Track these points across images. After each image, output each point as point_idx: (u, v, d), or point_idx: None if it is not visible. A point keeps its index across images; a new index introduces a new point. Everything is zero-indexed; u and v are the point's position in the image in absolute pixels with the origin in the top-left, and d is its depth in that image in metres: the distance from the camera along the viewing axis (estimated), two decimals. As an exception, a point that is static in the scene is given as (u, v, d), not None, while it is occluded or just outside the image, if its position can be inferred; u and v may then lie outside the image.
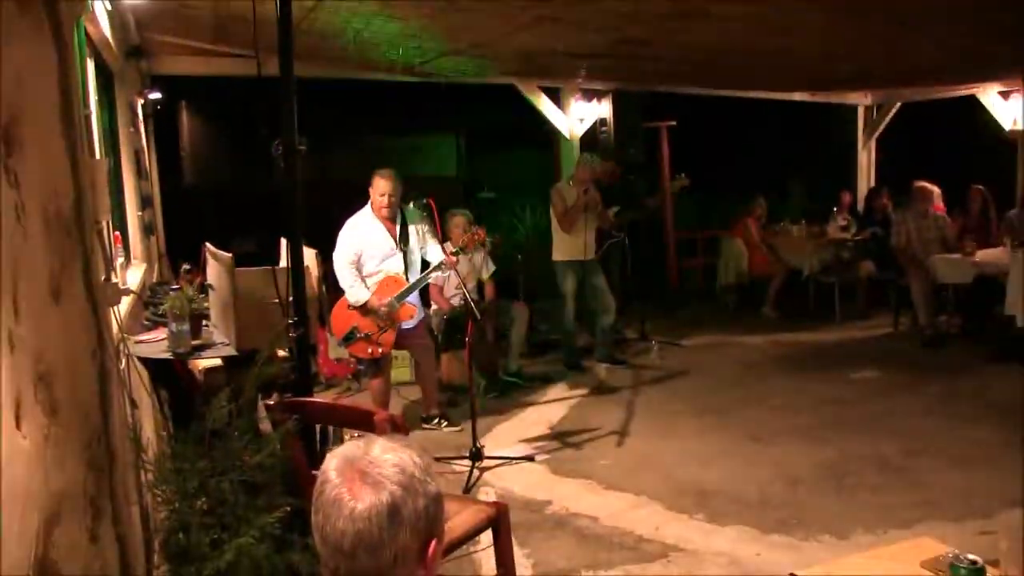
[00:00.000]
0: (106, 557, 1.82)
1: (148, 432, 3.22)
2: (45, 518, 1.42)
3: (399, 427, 2.38)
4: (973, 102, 9.32)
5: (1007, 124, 9.01)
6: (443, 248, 5.36)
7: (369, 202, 5.50)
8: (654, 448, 5.37)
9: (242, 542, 2.06)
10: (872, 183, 10.95)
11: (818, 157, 12.41)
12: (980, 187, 8.70)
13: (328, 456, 1.34)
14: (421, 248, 5.59)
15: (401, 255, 5.49)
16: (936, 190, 8.24)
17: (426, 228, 5.49)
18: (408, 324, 5.53)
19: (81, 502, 1.67)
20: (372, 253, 5.45)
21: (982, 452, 5.00)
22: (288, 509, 2.29)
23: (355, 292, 5.36)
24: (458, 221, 6.57)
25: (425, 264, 5.61)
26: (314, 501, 1.31)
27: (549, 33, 5.62)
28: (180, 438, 2.33)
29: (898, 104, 10.57)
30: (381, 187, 5.41)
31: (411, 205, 5.40)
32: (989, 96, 9.10)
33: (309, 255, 3.72)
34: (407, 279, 5.46)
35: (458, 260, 5.43)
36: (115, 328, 2.59)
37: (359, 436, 3.66)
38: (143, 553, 2.71)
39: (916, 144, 11.39)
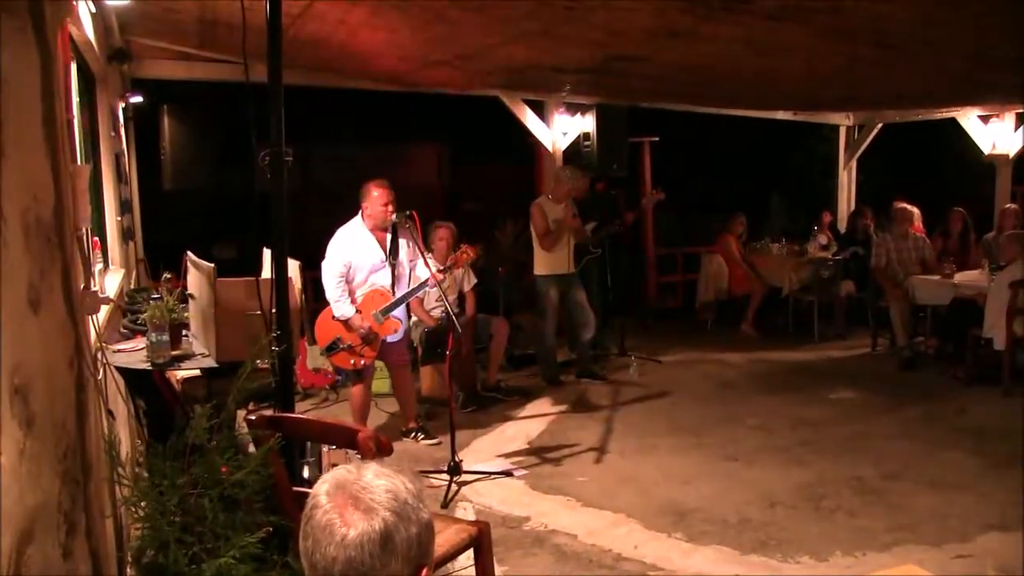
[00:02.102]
0: (79, 572, 1.77)
1: (125, 443, 3.16)
2: (19, 535, 1.37)
3: (383, 446, 2.34)
4: (953, 125, 9.43)
5: (986, 148, 9.11)
6: (427, 264, 5.27)
7: (360, 213, 5.44)
8: (633, 465, 5.35)
9: (221, 562, 2.01)
10: (852, 202, 11.05)
11: (799, 175, 12.52)
12: (961, 210, 8.81)
13: (319, 480, 1.30)
14: (411, 261, 5.54)
15: (389, 268, 5.44)
16: (916, 211, 8.33)
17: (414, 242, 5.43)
18: (392, 338, 5.48)
19: (55, 517, 1.61)
20: (361, 264, 5.39)
21: (959, 475, 5.03)
22: (270, 528, 2.24)
23: (340, 307, 5.30)
24: (442, 234, 6.53)
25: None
26: (303, 526, 1.27)
27: (536, 48, 5.62)
28: (158, 452, 2.27)
29: (880, 125, 10.67)
30: (383, 196, 5.36)
31: (394, 216, 5.35)
32: (969, 120, 9.21)
33: (292, 266, 3.68)
34: (393, 293, 5.42)
35: (445, 278, 5.38)
36: (93, 337, 2.54)
37: (335, 450, 3.62)
38: (116, 568, 2.65)
39: (896, 164, 11.52)
